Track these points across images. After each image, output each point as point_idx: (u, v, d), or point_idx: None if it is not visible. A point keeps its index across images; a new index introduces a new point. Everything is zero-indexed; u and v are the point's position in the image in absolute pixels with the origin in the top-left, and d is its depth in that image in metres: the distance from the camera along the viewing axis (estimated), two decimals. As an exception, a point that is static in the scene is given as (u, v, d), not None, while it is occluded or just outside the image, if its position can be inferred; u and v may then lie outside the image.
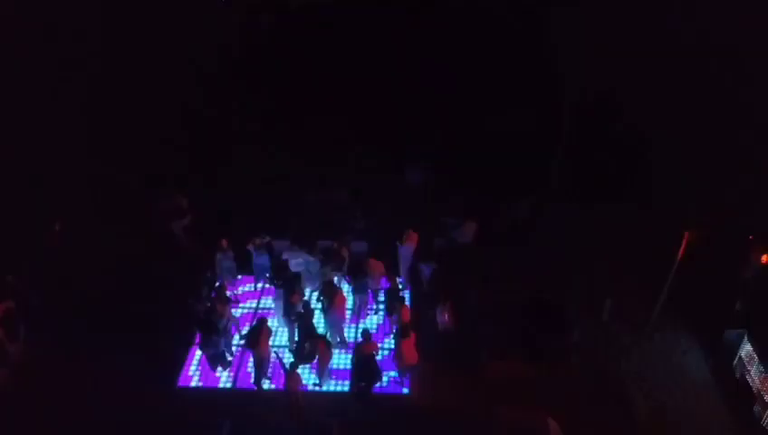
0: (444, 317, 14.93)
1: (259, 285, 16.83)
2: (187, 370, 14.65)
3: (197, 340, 14.62)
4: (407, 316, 14.31)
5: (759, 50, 17.48)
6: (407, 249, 16.18)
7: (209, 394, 14.16)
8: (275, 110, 21.08)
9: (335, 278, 15.73)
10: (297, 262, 15.86)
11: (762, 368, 13.38)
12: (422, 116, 20.33)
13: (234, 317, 15.28)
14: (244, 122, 21.10)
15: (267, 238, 16.34)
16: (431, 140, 20.34)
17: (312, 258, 15.80)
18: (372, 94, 20.49)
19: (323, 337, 14.23)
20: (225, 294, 14.87)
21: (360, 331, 14.57)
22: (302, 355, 13.91)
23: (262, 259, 16.17)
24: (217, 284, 15.73)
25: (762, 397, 13.24)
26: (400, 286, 15.88)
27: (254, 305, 16.51)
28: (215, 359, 14.40)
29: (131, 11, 20.77)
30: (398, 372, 14.20)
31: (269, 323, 14.19)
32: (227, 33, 21.65)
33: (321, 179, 19.38)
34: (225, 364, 14.59)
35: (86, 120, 20.02)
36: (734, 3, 18.02)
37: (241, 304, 16.34)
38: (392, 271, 16.00)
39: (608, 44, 18.33)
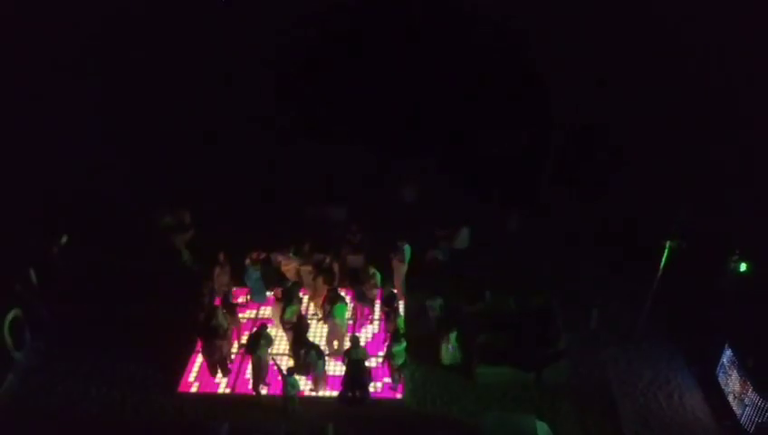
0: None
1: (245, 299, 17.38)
2: (188, 376, 15.13)
3: (199, 346, 15.15)
4: (399, 324, 14.87)
5: (736, 64, 18.36)
6: (399, 261, 16.79)
7: (208, 399, 14.61)
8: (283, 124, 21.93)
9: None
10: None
11: (742, 373, 13.87)
12: (422, 136, 21.30)
13: (239, 323, 15.84)
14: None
15: (263, 254, 16.98)
16: (429, 157, 21.20)
17: (306, 268, 16.43)
18: (377, 116, 21.47)
19: (315, 347, 14.68)
20: (230, 301, 15.49)
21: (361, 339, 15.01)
22: (297, 364, 14.41)
23: (256, 274, 16.79)
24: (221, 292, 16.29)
25: (742, 400, 13.71)
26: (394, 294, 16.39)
27: (253, 314, 17.05)
28: (215, 365, 14.92)
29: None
30: (392, 378, 14.67)
31: (268, 331, 14.73)
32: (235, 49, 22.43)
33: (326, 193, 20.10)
34: (225, 371, 15.06)
35: (95, 137, 20.82)
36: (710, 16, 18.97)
37: (240, 315, 16.85)
38: (388, 282, 16.58)
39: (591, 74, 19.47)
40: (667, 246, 14.51)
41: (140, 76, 21.17)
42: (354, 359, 14.02)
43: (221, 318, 14.85)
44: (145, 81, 21.15)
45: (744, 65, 18.78)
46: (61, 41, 20.89)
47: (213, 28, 21.95)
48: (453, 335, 15.15)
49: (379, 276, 16.38)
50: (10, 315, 15.33)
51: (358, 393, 14.08)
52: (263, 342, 14.28)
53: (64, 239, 17.65)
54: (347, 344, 14.62)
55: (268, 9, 22.34)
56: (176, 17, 21.70)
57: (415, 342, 15.33)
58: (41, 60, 20.60)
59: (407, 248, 16.72)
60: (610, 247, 18.12)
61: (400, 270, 16.80)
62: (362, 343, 14.56)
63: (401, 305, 16.65)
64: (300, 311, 15.43)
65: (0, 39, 19.57)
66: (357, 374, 14.00)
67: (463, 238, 17.95)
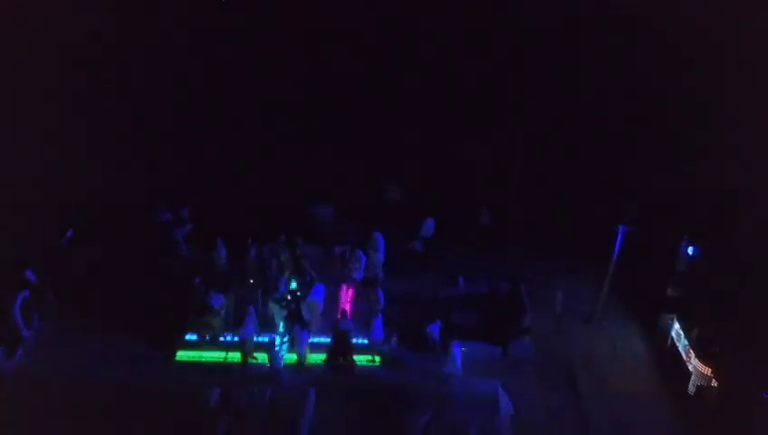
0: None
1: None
2: (181, 348, 16.50)
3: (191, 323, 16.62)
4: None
5: (702, 60, 20.11)
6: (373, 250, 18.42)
7: (201, 370, 15.97)
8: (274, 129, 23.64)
9: None
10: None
11: (686, 342, 15.28)
12: (402, 143, 23.05)
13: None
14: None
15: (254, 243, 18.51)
16: (410, 161, 22.91)
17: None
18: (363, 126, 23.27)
19: (301, 321, 16.19)
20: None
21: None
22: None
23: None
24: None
25: (686, 367, 15.08)
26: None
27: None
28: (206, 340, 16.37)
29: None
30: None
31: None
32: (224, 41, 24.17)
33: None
34: (215, 345, 16.45)
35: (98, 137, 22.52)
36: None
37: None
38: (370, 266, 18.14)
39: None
40: (621, 230, 16.06)
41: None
42: (342, 330, 15.46)
43: (213, 298, 16.40)
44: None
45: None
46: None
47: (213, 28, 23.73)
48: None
49: (363, 260, 17.96)
50: (20, 298, 16.73)
51: (343, 361, 15.49)
52: (248, 317, 15.82)
53: (70, 232, 19.16)
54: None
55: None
56: (176, 17, 23.48)
57: (396, 322, 16.67)
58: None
59: (379, 238, 18.27)
60: (576, 235, 19.62)
61: (375, 257, 18.33)
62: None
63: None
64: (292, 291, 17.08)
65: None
66: (343, 344, 15.45)
67: (428, 228, 19.54)
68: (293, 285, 17.56)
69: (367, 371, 15.75)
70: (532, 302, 17.46)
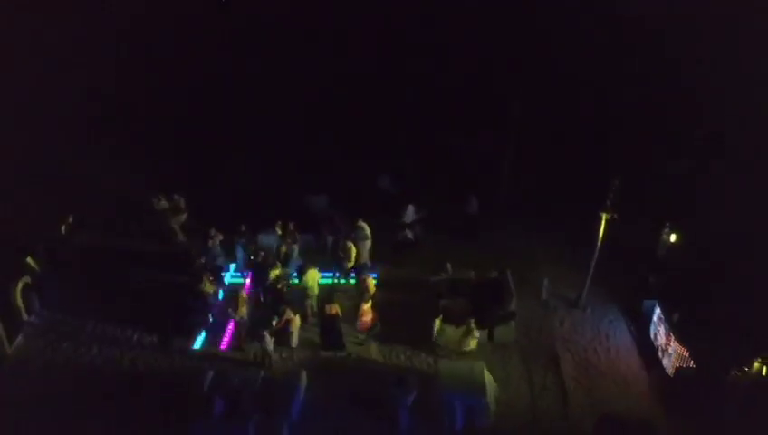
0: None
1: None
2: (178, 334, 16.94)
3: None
4: (371, 286, 16.86)
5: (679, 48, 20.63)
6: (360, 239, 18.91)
7: (195, 353, 16.49)
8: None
9: None
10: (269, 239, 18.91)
11: (667, 326, 15.76)
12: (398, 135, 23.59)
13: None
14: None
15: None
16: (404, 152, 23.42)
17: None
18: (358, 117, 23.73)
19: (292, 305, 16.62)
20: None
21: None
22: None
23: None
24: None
25: (667, 350, 15.56)
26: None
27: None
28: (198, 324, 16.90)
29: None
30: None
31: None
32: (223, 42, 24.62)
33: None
34: (210, 330, 16.97)
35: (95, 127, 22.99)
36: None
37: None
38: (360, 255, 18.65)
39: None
40: (603, 218, 16.52)
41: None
42: (329, 313, 15.96)
43: (207, 285, 16.92)
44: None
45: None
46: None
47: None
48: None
49: (354, 250, 18.45)
50: (21, 283, 17.22)
51: (332, 341, 16.04)
52: (240, 303, 16.38)
53: (71, 219, 19.63)
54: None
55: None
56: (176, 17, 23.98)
57: (384, 305, 17.18)
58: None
59: (364, 226, 18.77)
60: (563, 223, 20.10)
61: (362, 246, 18.84)
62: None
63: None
64: (283, 274, 17.59)
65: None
66: (332, 325, 15.99)
67: (409, 214, 20.08)
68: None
69: (356, 353, 16.32)
70: (519, 288, 17.95)
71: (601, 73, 21.79)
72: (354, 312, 16.52)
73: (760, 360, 13.40)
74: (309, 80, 24.09)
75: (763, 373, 13.42)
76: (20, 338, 16.75)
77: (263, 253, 18.00)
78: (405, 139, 23.53)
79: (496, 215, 20.95)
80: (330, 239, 19.74)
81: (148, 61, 24.31)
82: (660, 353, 15.90)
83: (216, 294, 17.70)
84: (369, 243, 18.84)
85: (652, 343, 16.41)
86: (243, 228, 18.86)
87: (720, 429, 13.89)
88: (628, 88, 21.47)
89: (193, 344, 16.67)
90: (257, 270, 17.89)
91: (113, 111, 23.57)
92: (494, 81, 22.93)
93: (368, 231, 18.74)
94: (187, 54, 24.51)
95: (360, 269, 18.10)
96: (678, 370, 15.06)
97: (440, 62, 23.70)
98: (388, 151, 23.30)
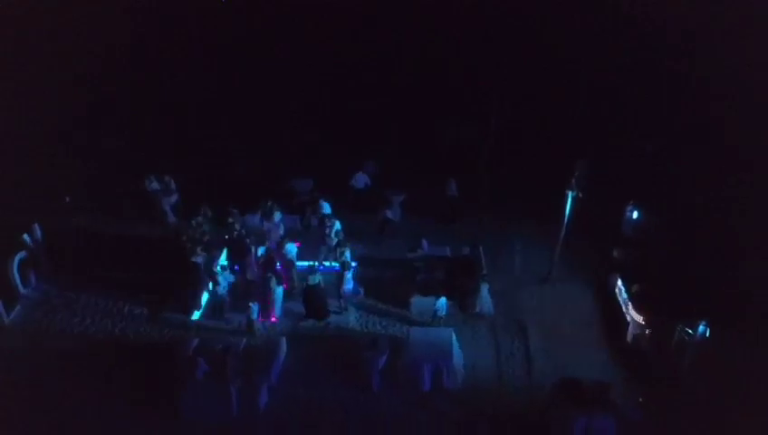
0: None
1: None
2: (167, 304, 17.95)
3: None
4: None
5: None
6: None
7: (182, 324, 17.43)
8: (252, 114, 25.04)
9: None
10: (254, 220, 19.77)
11: (626, 296, 16.73)
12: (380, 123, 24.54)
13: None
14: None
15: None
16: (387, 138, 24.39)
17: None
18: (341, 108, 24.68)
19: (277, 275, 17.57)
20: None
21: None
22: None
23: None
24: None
25: (625, 318, 16.54)
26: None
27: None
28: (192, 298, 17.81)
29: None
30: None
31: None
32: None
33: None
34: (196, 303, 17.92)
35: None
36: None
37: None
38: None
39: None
40: (569, 195, 17.41)
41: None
42: (311, 284, 16.92)
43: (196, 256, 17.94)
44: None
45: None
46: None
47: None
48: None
49: (337, 225, 19.37)
50: (17, 258, 18.15)
51: (316, 312, 17.01)
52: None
53: (67, 199, 20.60)
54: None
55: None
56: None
57: (367, 279, 18.30)
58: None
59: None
60: (536, 203, 20.94)
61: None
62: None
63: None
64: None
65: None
66: (315, 295, 16.95)
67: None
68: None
69: (335, 319, 17.39)
70: (492, 264, 18.91)
71: (578, 58, 22.70)
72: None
73: (704, 323, 14.33)
74: (295, 67, 24.98)
75: (707, 335, 14.37)
76: (17, 310, 17.68)
77: (240, 229, 18.86)
78: (388, 124, 24.39)
79: (479, 197, 21.86)
80: (314, 220, 20.69)
81: (145, 50, 25.23)
82: (620, 322, 16.85)
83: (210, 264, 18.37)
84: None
85: (613, 312, 17.35)
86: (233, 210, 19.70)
87: (671, 389, 14.84)
88: (602, 72, 22.39)
89: (190, 315, 17.59)
90: (234, 247, 18.72)
91: (108, 96, 24.51)
92: (475, 67, 23.78)
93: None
94: (180, 41, 25.42)
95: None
96: (636, 336, 16.02)
97: (422, 48, 24.58)
98: (370, 136, 24.15)
